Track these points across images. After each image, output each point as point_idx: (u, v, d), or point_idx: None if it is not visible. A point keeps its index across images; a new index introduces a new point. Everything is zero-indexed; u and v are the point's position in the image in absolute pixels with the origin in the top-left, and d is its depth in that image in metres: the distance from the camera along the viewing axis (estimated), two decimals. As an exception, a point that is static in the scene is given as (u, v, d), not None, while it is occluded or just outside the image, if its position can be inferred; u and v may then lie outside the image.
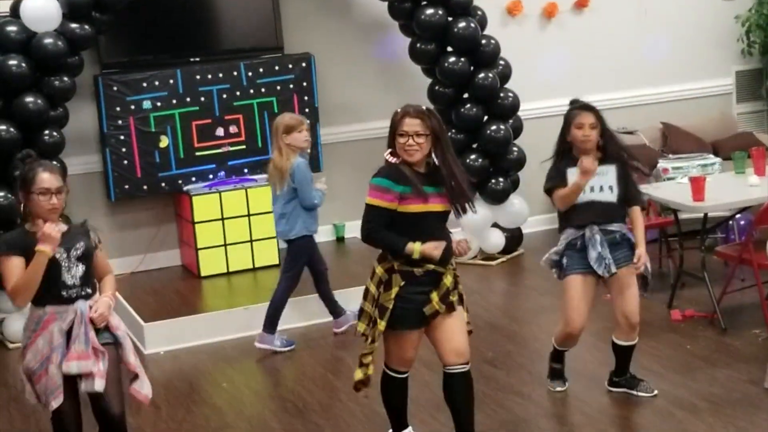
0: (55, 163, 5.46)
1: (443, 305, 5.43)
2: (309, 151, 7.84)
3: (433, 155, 5.45)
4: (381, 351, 5.59)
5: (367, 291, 5.51)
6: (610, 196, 6.28)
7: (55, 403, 5.18)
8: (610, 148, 6.36)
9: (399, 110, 5.47)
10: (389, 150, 5.48)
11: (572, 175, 6.21)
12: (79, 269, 5.24)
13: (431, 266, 5.38)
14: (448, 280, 5.46)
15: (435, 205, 5.42)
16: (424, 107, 5.51)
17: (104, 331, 5.34)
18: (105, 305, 5.29)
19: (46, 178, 5.13)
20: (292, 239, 7.72)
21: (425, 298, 5.41)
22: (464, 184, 5.46)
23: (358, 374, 5.62)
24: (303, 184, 7.59)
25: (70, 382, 5.23)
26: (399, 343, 5.52)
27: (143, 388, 5.54)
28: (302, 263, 7.81)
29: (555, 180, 6.32)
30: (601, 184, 6.25)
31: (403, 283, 5.38)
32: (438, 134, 5.40)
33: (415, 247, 5.31)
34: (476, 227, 9.33)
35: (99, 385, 5.22)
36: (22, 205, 5.28)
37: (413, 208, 5.36)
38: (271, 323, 7.76)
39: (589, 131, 6.25)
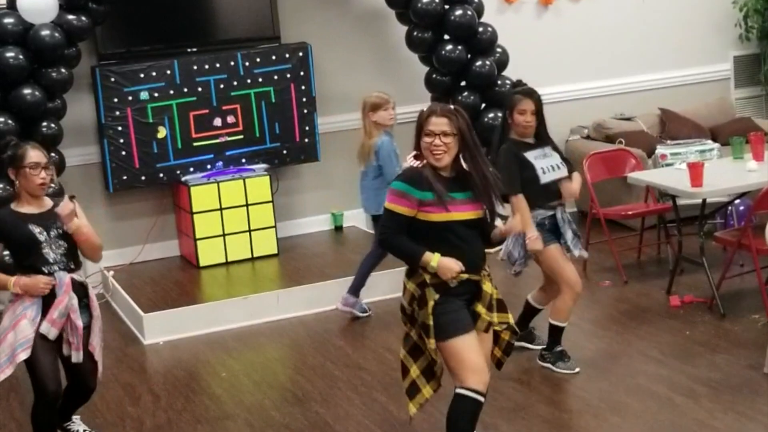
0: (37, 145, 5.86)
1: (492, 314, 5.20)
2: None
3: (461, 158, 5.19)
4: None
5: (402, 309, 5.26)
6: (564, 171, 6.70)
7: (24, 354, 5.48)
8: (542, 132, 6.74)
9: (425, 109, 5.21)
10: (413, 153, 5.23)
11: (532, 157, 6.63)
12: (61, 247, 5.61)
13: (465, 275, 5.08)
14: (488, 287, 5.20)
15: (462, 213, 5.10)
16: (451, 106, 5.23)
17: (84, 311, 5.70)
18: (68, 210, 5.57)
19: (34, 153, 5.57)
20: (378, 215, 7.75)
21: (462, 304, 5.12)
22: (495, 189, 5.20)
23: (412, 408, 5.28)
24: (387, 161, 7.84)
25: (52, 345, 5.60)
26: (456, 352, 5.05)
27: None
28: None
29: (514, 186, 6.55)
30: (550, 164, 6.65)
31: (437, 296, 5.07)
32: (465, 134, 5.12)
33: (434, 258, 5.03)
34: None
35: (75, 357, 5.64)
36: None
37: (434, 217, 5.06)
38: (356, 288, 8.04)
39: (531, 117, 6.63)
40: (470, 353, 5.05)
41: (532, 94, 6.71)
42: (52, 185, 5.81)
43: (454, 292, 5.10)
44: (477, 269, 5.16)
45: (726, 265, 7.70)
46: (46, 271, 5.58)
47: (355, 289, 8.06)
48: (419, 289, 5.13)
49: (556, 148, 6.81)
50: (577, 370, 6.70)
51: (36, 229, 5.59)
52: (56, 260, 5.61)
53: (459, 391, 5.05)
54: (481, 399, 5.05)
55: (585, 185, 8.81)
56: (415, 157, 5.23)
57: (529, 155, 6.63)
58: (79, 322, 5.64)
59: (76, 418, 6.19)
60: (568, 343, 6.77)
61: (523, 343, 7.02)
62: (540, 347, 6.96)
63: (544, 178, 6.59)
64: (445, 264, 5.04)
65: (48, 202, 5.72)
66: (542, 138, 6.73)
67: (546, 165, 6.65)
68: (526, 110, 6.62)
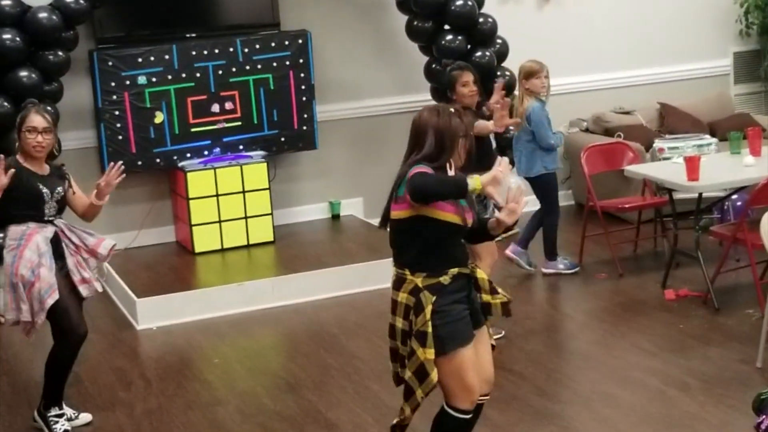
0: (49, 108, 6.41)
1: (498, 297, 5.00)
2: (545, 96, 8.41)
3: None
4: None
5: (392, 329, 4.94)
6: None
7: (51, 300, 5.80)
8: (483, 101, 7.27)
9: (452, 110, 4.90)
10: (438, 162, 4.86)
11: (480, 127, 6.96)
12: (54, 208, 6.00)
13: (455, 270, 4.82)
14: (481, 274, 5.00)
15: (462, 218, 4.86)
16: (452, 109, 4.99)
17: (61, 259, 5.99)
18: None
19: (34, 118, 5.86)
20: (532, 177, 8.34)
21: (463, 308, 4.86)
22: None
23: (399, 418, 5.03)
24: (539, 126, 8.23)
25: (71, 289, 5.99)
26: (455, 368, 4.79)
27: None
28: (552, 197, 8.39)
29: None
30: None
31: (434, 298, 4.77)
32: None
33: (475, 180, 4.71)
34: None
35: (86, 291, 6.05)
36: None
37: (449, 217, 4.78)
38: (550, 251, 8.53)
39: (474, 87, 7.11)
40: (468, 372, 4.81)
41: (469, 66, 7.28)
42: (55, 153, 6.16)
43: (450, 290, 4.82)
44: (466, 263, 4.93)
45: (721, 259, 7.69)
46: (44, 220, 5.95)
47: (550, 253, 8.55)
48: (413, 297, 4.81)
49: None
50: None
51: (41, 186, 5.90)
52: (50, 216, 5.97)
53: (447, 410, 4.87)
54: (469, 417, 4.87)
55: (583, 177, 8.84)
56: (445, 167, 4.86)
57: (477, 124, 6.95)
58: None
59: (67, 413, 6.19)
60: (561, 334, 6.77)
61: None
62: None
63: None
64: (488, 177, 4.76)
65: (47, 168, 6.03)
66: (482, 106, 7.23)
67: None
68: (468, 81, 7.10)
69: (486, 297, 5.01)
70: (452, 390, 4.84)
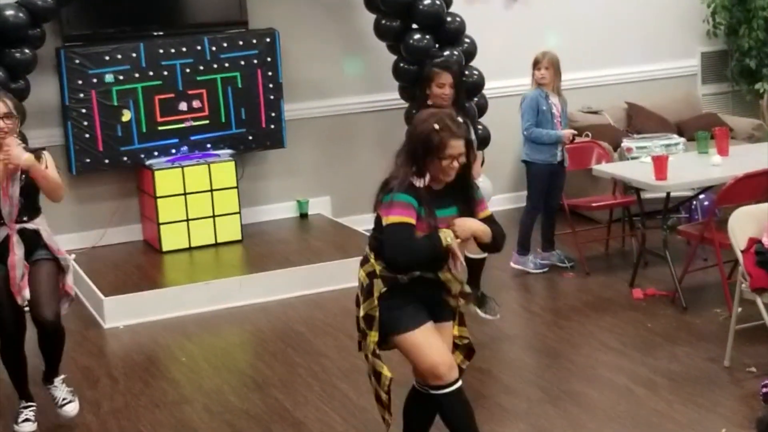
0: (9, 94, 6.19)
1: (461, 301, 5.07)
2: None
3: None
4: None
5: (357, 298, 5.06)
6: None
7: None
8: (460, 102, 7.14)
9: (437, 127, 4.75)
10: (413, 168, 4.82)
11: None
12: (12, 205, 5.83)
13: (417, 273, 4.86)
14: (446, 276, 4.96)
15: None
16: (460, 119, 4.95)
17: (41, 248, 5.95)
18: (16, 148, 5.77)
19: None
20: (522, 161, 8.63)
21: (413, 298, 4.90)
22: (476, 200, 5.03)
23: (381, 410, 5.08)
24: (523, 113, 8.45)
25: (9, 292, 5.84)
26: (409, 349, 4.88)
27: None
28: (531, 188, 8.40)
29: None
30: None
31: (384, 290, 4.87)
32: (472, 149, 4.97)
33: (445, 235, 4.75)
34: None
35: (26, 294, 5.84)
36: None
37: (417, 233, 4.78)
38: (522, 245, 8.58)
39: (449, 90, 6.97)
40: (423, 349, 4.84)
41: (451, 67, 7.14)
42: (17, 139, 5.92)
43: (401, 288, 4.88)
44: (433, 268, 4.91)
45: (688, 258, 7.72)
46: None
47: (522, 247, 8.61)
48: (368, 279, 4.93)
49: (471, 122, 7.23)
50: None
51: None
52: (9, 213, 5.83)
53: (434, 393, 4.92)
54: (454, 388, 4.87)
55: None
56: (416, 174, 4.81)
57: None
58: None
59: (58, 380, 6.14)
60: (528, 333, 6.77)
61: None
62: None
63: None
64: (460, 225, 4.83)
65: None
66: (460, 108, 6.99)
67: None
68: (445, 83, 6.99)
69: (452, 301, 5.04)
70: (419, 371, 4.94)
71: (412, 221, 4.74)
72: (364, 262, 5.01)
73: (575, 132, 8.56)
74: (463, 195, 4.96)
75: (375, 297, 4.88)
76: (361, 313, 4.97)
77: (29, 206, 5.96)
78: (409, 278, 4.88)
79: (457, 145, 4.76)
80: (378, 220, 4.92)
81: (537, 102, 8.38)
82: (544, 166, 8.40)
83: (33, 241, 5.95)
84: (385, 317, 4.89)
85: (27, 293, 5.85)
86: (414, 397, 5.19)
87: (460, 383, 4.93)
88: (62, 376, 6.17)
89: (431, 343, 4.87)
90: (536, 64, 8.50)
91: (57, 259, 6.02)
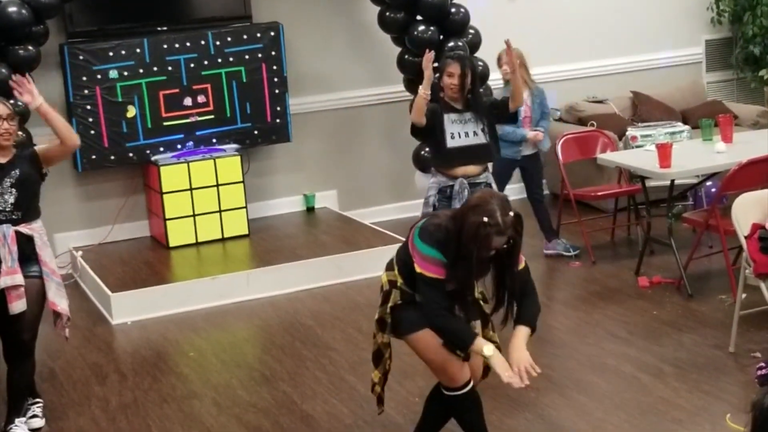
0: (2, 98, 6.17)
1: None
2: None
3: None
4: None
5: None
6: (483, 138, 7.00)
7: None
8: (472, 99, 7.01)
9: (486, 220, 4.55)
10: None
11: (448, 120, 6.95)
12: (11, 196, 5.74)
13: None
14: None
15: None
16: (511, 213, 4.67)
17: (34, 264, 5.83)
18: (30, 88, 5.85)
19: None
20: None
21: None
22: None
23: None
24: None
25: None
26: (421, 349, 4.91)
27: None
28: (496, 182, 8.19)
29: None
30: (464, 131, 6.97)
31: (400, 302, 4.92)
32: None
33: (486, 347, 4.77)
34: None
35: (20, 305, 5.72)
36: None
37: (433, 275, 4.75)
38: (549, 230, 8.73)
39: (457, 80, 6.93)
40: (431, 351, 4.87)
41: (462, 59, 7.07)
42: (19, 135, 6.05)
43: (417, 305, 4.88)
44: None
45: (694, 246, 7.72)
46: None
47: (550, 232, 8.74)
48: (388, 285, 4.97)
49: (481, 118, 7.02)
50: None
51: None
52: (4, 209, 5.75)
53: (446, 393, 4.97)
54: (464, 391, 4.93)
55: (557, 166, 8.86)
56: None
57: (448, 118, 6.95)
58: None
59: (20, 420, 5.97)
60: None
61: None
62: None
63: (451, 143, 6.92)
64: (498, 365, 4.78)
65: (11, 152, 5.87)
66: (471, 105, 7.01)
67: (458, 131, 6.97)
68: (453, 73, 6.96)
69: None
70: (434, 370, 4.97)
71: (443, 278, 4.72)
72: (389, 268, 5.02)
73: (540, 138, 8.58)
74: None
75: (389, 306, 4.95)
76: (376, 316, 5.05)
77: (24, 202, 5.81)
78: None
79: (499, 241, 4.62)
80: (407, 247, 4.91)
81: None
82: (506, 161, 8.37)
83: (26, 250, 5.82)
84: (399, 317, 4.94)
85: (21, 305, 5.74)
86: (435, 394, 5.18)
87: (471, 385, 4.98)
88: (24, 417, 6.02)
89: (437, 344, 4.88)
90: (499, 61, 8.53)
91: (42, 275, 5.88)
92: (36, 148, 5.99)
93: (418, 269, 4.76)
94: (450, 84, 6.97)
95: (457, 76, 6.95)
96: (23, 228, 5.82)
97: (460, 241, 4.62)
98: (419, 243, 4.77)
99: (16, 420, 5.91)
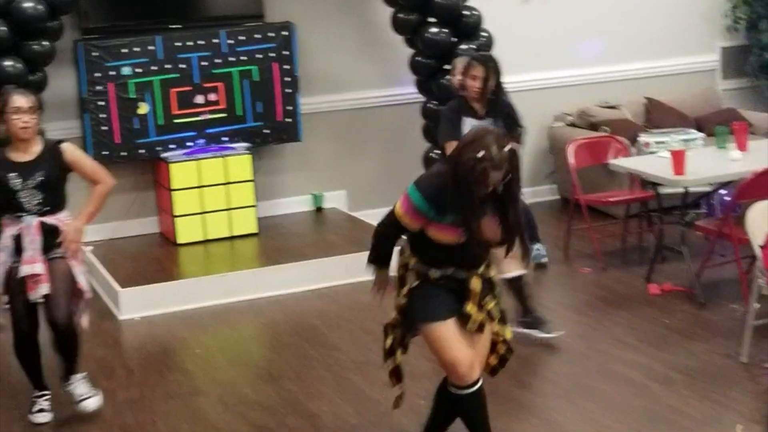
0: (23, 89, 6.18)
1: (482, 313, 4.89)
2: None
3: None
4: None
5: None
6: None
7: None
8: (494, 103, 7.05)
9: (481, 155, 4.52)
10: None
11: (468, 124, 6.90)
12: (37, 197, 5.80)
13: (449, 270, 4.84)
14: (475, 284, 4.87)
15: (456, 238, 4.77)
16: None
17: (58, 246, 5.87)
18: (72, 232, 5.87)
19: (17, 98, 5.77)
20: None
21: (444, 291, 4.84)
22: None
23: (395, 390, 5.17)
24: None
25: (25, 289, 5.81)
26: (432, 342, 4.85)
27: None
28: None
29: (448, 136, 7.02)
30: None
31: (416, 283, 4.87)
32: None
33: (377, 274, 5.09)
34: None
35: (43, 289, 5.77)
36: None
37: (444, 239, 4.77)
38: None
39: (479, 83, 6.96)
40: (445, 346, 4.81)
41: (486, 62, 7.03)
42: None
43: (432, 283, 4.86)
44: (467, 267, 4.87)
45: (706, 254, 7.68)
46: (20, 215, 5.81)
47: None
48: (402, 270, 4.97)
49: (497, 123, 6.94)
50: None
51: (12, 176, 5.77)
52: (30, 208, 5.80)
53: (452, 391, 4.95)
54: (471, 391, 4.89)
55: (568, 171, 8.82)
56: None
57: (468, 121, 6.94)
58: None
59: (76, 377, 6.08)
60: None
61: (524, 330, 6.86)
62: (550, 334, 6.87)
63: None
64: (377, 281, 5.11)
65: (37, 149, 5.88)
66: (492, 110, 7.03)
67: None
68: (477, 77, 6.99)
69: (470, 308, 4.88)
70: (442, 366, 4.91)
71: (409, 225, 4.80)
72: (400, 253, 5.01)
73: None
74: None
75: (405, 289, 4.91)
76: (394, 303, 5.02)
77: (50, 200, 5.87)
78: (441, 275, 4.86)
79: (496, 176, 4.58)
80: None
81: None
82: None
83: (51, 240, 5.86)
84: (415, 304, 4.90)
85: (43, 289, 5.79)
86: (443, 391, 5.14)
87: (478, 385, 4.93)
88: (82, 374, 6.11)
89: (455, 339, 4.84)
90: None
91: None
92: (67, 151, 5.97)
93: (396, 206, 4.83)
94: (471, 85, 6.98)
95: (480, 80, 6.94)
96: (49, 219, 5.86)
97: (457, 178, 4.59)
98: (412, 190, 4.78)
99: (71, 377, 6.04)
